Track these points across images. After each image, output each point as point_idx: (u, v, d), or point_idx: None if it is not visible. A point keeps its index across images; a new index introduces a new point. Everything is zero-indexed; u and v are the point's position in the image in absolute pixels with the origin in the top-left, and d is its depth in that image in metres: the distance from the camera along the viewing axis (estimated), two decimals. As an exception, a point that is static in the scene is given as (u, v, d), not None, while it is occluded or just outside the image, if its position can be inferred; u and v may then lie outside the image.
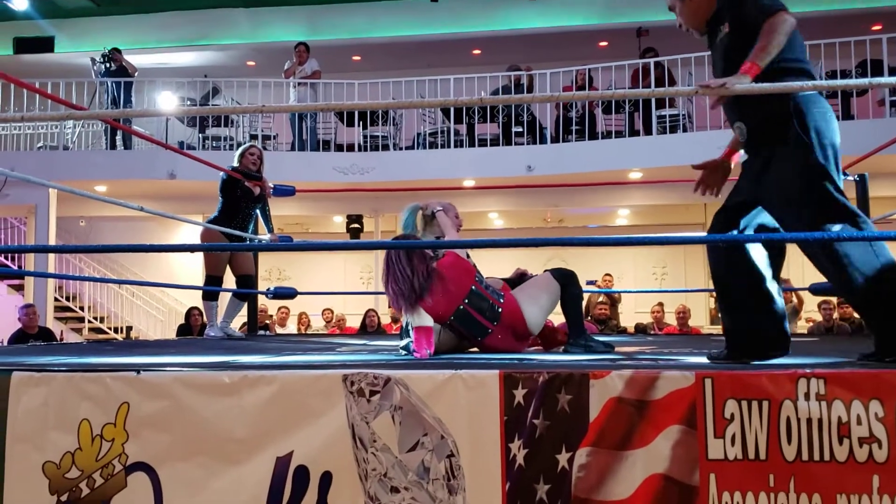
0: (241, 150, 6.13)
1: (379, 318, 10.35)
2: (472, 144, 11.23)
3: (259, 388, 2.28)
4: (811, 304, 9.41)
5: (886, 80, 4.26)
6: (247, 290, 6.15)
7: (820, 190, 2.57)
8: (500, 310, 3.52)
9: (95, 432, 2.31)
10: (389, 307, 3.56)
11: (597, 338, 3.84)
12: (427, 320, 3.37)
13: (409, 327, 3.50)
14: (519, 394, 2.16)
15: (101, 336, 12.78)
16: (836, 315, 8.74)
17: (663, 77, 10.76)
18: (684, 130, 10.53)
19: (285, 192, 6.27)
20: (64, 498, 2.29)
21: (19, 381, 2.37)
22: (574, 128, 11.02)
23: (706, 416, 2.07)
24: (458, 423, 2.17)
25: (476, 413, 2.17)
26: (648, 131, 10.66)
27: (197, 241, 6.54)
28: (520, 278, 3.90)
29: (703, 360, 2.73)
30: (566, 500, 2.09)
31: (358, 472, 2.19)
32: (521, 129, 11.16)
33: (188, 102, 12.13)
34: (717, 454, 2.05)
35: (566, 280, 3.68)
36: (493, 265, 5.75)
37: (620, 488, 2.08)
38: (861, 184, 5.58)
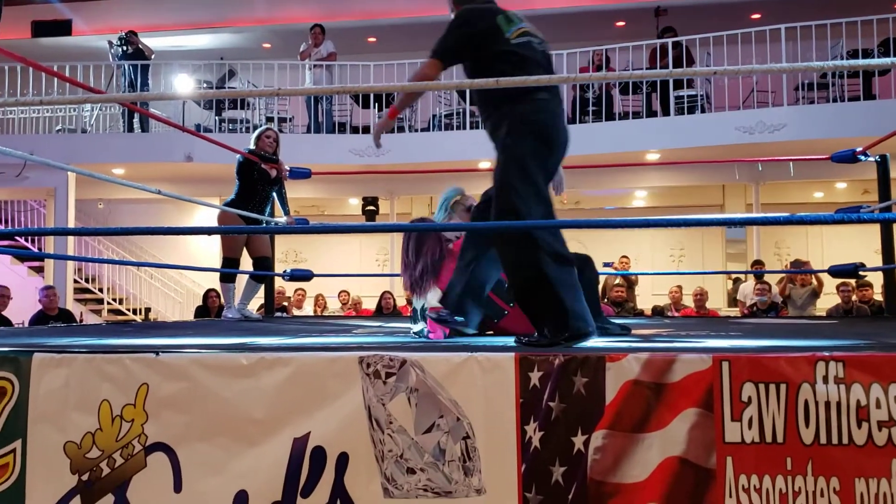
0: (257, 132, 6.14)
1: (395, 300, 10.38)
2: (487, 126, 11.18)
3: (276, 369, 2.29)
4: (829, 286, 9.35)
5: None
6: (263, 272, 6.18)
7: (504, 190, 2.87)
8: None
9: (115, 413, 2.33)
10: (405, 290, 3.58)
11: (613, 320, 3.84)
12: None
13: (422, 312, 3.49)
14: (535, 376, 2.16)
15: (120, 317, 12.89)
16: (854, 297, 8.68)
17: (681, 57, 10.65)
18: (702, 111, 10.44)
19: (301, 174, 6.28)
20: (85, 477, 2.32)
21: (40, 361, 2.39)
22: (591, 109, 10.95)
23: (723, 399, 2.06)
24: (474, 405, 2.17)
25: (492, 395, 2.17)
26: (666, 112, 10.58)
27: (214, 223, 6.57)
28: None
29: (721, 342, 2.72)
30: (582, 483, 2.09)
31: (374, 454, 2.20)
32: (537, 111, 11.09)
33: (204, 85, 12.16)
34: (734, 437, 2.05)
35: (582, 263, 3.67)
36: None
37: (636, 471, 2.08)
38: (882, 164, 5.53)
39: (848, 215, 2.56)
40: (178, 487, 2.28)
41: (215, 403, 2.30)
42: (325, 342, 3.09)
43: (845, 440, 2.00)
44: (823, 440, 2.01)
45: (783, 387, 2.04)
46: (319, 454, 2.22)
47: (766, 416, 2.04)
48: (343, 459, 2.21)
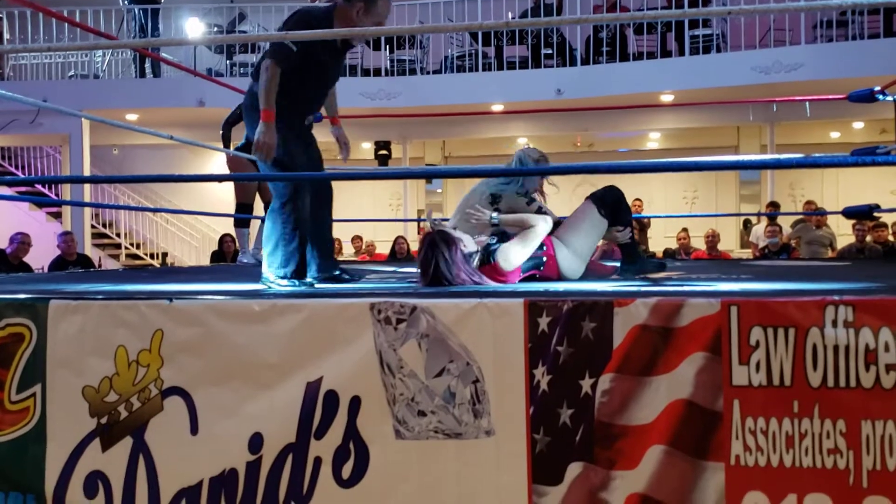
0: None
1: (408, 244, 10.40)
2: (500, 67, 11.06)
3: (288, 315, 2.32)
4: (844, 227, 9.30)
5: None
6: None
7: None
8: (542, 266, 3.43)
9: (131, 358, 2.38)
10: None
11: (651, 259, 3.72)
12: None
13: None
14: (543, 321, 2.18)
15: (137, 262, 13.02)
16: (869, 238, 8.62)
17: (697, -4, 10.45)
18: (718, 51, 10.27)
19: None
20: (104, 420, 2.38)
21: (56, 308, 2.43)
22: (605, 49, 10.79)
23: (731, 343, 2.07)
24: (484, 349, 2.20)
25: (501, 340, 2.20)
26: (681, 52, 10.41)
27: (226, 168, 6.58)
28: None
29: (731, 286, 2.72)
30: (589, 424, 2.13)
31: (386, 397, 2.24)
32: (550, 51, 10.95)
33: (215, 29, 12.04)
34: (741, 380, 2.06)
35: (614, 209, 3.58)
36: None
37: (643, 413, 2.10)
38: (901, 105, 5.44)
39: (863, 158, 2.54)
40: (194, 430, 2.34)
41: (229, 349, 2.34)
42: (336, 288, 3.11)
43: (853, 383, 2.01)
44: (831, 383, 2.02)
45: (791, 331, 2.05)
46: (332, 398, 2.26)
47: (773, 360, 2.05)
48: (355, 403, 2.26)
